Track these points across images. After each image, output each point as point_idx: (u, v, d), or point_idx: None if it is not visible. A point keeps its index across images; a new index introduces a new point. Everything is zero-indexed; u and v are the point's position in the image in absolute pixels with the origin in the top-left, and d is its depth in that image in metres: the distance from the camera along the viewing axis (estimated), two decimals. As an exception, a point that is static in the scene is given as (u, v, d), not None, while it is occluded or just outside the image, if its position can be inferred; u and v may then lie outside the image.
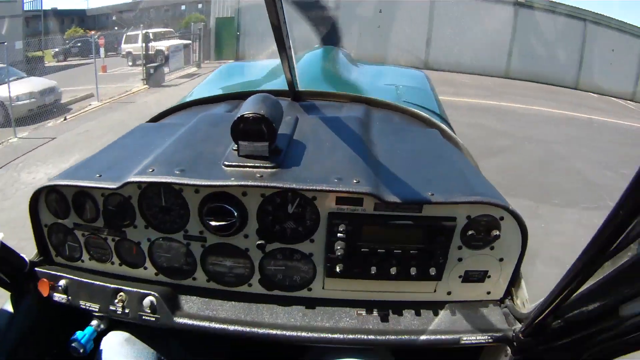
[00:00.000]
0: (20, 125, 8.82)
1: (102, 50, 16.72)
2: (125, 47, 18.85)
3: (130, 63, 18.00)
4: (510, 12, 16.22)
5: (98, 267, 1.21)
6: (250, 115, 1.00)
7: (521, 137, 9.14)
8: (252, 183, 1.00)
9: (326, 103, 1.74)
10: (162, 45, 16.16)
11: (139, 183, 1.05)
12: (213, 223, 1.04)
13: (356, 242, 1.06)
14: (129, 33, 19.14)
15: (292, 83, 1.58)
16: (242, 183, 1.00)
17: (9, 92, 8.87)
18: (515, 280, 1.18)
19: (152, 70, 13.73)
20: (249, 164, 1.05)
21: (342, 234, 1.05)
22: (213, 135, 1.23)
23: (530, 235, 1.08)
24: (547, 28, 15.90)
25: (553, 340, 0.93)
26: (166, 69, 14.77)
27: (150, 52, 14.91)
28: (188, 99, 1.96)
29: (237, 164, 1.05)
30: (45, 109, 10.38)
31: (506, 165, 7.58)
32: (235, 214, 1.03)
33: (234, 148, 1.07)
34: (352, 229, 1.05)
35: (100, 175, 1.10)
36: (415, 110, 1.74)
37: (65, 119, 10.15)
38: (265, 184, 1.00)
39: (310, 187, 1.00)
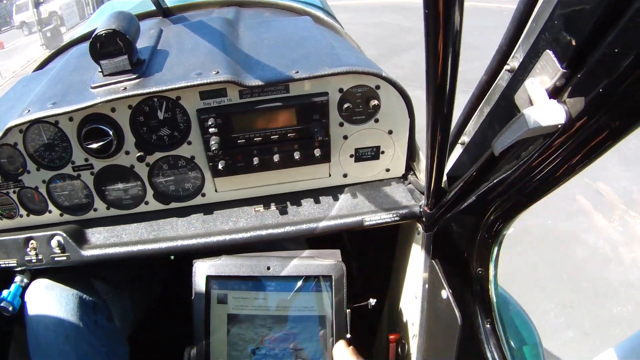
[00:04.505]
0: None
1: (-7, 27, 15.15)
2: (18, 17, 17.10)
3: (26, 33, 16.42)
4: None
5: (11, 225, 1.23)
6: (103, 32, 1.00)
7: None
8: (115, 96, 1.00)
9: (197, 13, 1.73)
10: (54, 5, 14.92)
11: (18, 127, 1.06)
12: (92, 146, 1.05)
13: (229, 135, 1.07)
14: (17, 2, 17.24)
15: (156, 0, 1.61)
16: (105, 99, 1.00)
17: None
18: (413, 154, 1.16)
19: (48, 34, 12.91)
20: (113, 81, 1.05)
21: (213, 129, 1.05)
22: (83, 64, 1.22)
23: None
24: None
25: (455, 204, 0.90)
26: (63, 29, 13.92)
27: (43, 16, 13.75)
28: None
29: (103, 83, 1.05)
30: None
31: (421, 59, 8.01)
32: (110, 132, 1.06)
33: (99, 70, 1.07)
34: (222, 121, 1.05)
35: None
36: (286, 2, 1.70)
37: (-28, 106, 9.48)
38: (127, 94, 1.00)
39: (170, 87, 1.01)
